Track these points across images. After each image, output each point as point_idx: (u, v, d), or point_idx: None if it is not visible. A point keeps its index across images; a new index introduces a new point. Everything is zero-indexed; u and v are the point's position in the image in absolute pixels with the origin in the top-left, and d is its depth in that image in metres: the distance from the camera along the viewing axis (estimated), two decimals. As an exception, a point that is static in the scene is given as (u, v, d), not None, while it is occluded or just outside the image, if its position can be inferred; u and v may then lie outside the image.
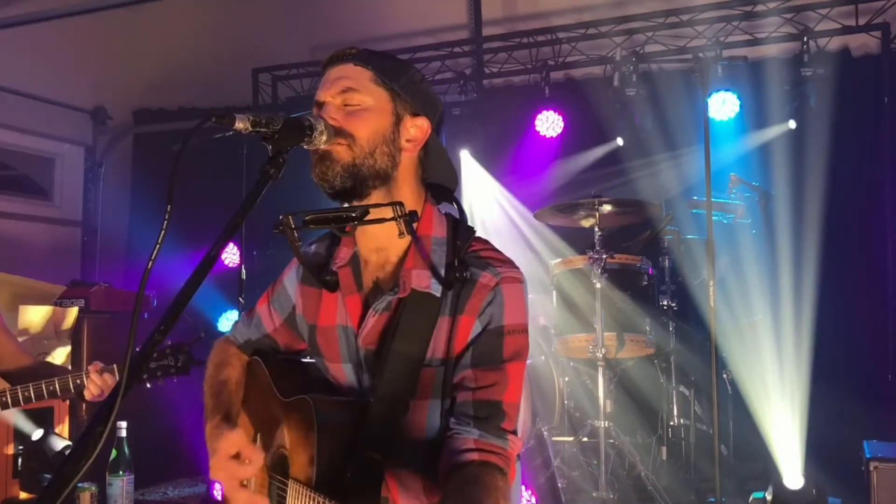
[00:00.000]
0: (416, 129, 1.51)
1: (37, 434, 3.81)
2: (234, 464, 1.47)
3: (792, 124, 4.75)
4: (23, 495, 3.82)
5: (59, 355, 4.20)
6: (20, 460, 3.82)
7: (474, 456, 1.38)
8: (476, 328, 1.45)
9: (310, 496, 1.40)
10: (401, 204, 1.45)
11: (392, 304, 1.49)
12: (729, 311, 4.37)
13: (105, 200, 6.88)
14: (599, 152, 5.40)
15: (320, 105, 1.49)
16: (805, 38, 4.79)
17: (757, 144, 4.87)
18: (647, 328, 4.13)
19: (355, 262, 1.57)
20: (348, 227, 1.48)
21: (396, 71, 1.51)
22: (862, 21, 4.79)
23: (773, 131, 4.80)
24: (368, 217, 1.47)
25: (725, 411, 4.34)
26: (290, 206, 1.49)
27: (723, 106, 4.78)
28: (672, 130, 4.89)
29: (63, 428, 4.14)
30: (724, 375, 4.39)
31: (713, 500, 3.63)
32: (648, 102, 5.03)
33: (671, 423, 4.40)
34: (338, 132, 1.44)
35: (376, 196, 1.48)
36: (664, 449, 4.32)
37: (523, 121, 5.30)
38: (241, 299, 5.34)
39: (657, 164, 5.07)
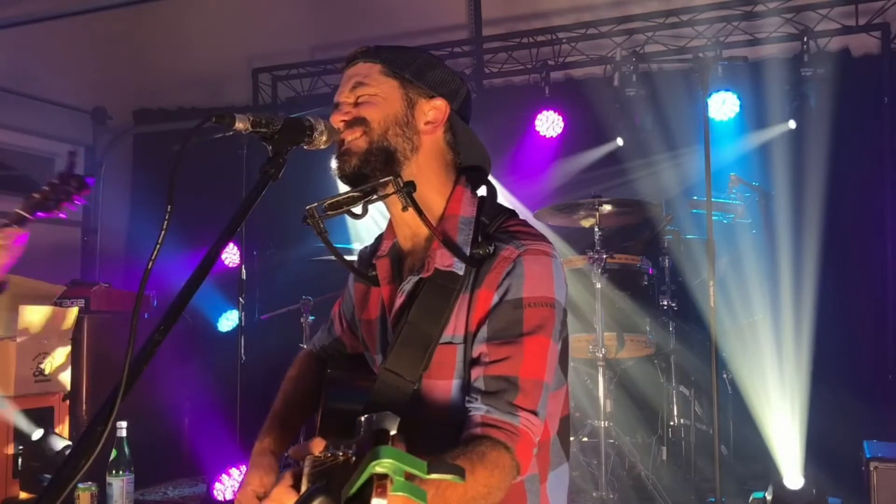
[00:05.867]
0: (434, 110, 1.52)
1: (37, 434, 3.81)
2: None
3: (792, 124, 4.75)
4: (23, 495, 3.83)
5: (59, 355, 4.20)
6: (20, 460, 3.83)
7: (477, 431, 1.33)
8: (494, 301, 1.40)
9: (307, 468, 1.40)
10: (398, 175, 1.44)
11: (417, 284, 1.48)
12: (729, 310, 4.37)
13: (105, 200, 6.88)
14: (599, 152, 5.39)
15: (337, 106, 1.52)
16: (805, 38, 4.79)
17: (757, 144, 4.86)
18: (647, 328, 4.13)
19: (394, 252, 1.59)
20: (360, 209, 1.47)
21: (405, 60, 1.53)
22: (862, 21, 4.79)
23: (773, 131, 4.80)
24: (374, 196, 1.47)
25: (725, 411, 4.34)
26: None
27: (723, 106, 4.77)
28: (672, 130, 4.89)
29: (63, 428, 4.14)
30: (724, 375, 4.39)
31: (713, 500, 3.62)
32: (648, 102, 5.03)
33: (671, 423, 4.40)
34: (351, 124, 1.47)
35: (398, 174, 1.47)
36: (664, 449, 4.32)
37: (523, 121, 5.30)
38: (241, 299, 5.34)
39: (657, 164, 5.06)
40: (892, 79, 4.70)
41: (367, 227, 5.75)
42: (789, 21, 4.93)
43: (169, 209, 1.15)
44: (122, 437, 2.98)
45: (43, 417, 3.97)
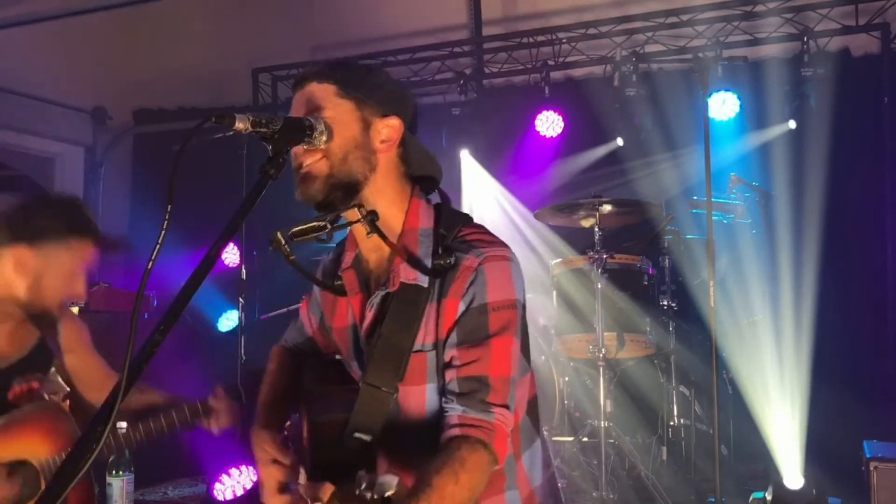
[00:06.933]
0: (389, 129, 1.54)
1: (37, 434, 3.80)
2: (273, 467, 1.56)
3: (792, 124, 4.75)
4: (23, 495, 3.82)
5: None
6: (20, 460, 3.82)
7: (456, 431, 1.41)
8: (461, 309, 1.48)
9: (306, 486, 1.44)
10: (361, 205, 1.51)
11: (385, 297, 1.55)
12: (729, 310, 4.36)
13: (105, 200, 6.88)
14: (599, 152, 5.40)
15: None
16: (805, 38, 4.79)
17: (757, 144, 4.87)
18: (647, 328, 4.13)
19: (358, 263, 1.64)
20: (326, 235, 1.52)
21: (358, 79, 1.55)
22: (862, 21, 4.80)
23: (773, 131, 4.80)
24: (340, 223, 1.53)
25: (725, 411, 4.34)
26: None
27: (723, 106, 4.78)
28: (672, 130, 4.90)
29: (63, 428, 4.13)
30: (724, 375, 4.39)
31: (713, 500, 3.62)
32: (648, 102, 5.03)
33: (671, 423, 4.40)
34: (310, 149, 1.48)
35: (359, 200, 1.53)
36: (664, 449, 4.32)
37: (523, 121, 5.30)
38: (241, 299, 5.34)
39: (657, 164, 5.06)
40: (892, 79, 4.70)
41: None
42: (789, 21, 4.93)
43: (169, 209, 1.15)
44: (122, 437, 2.98)
45: (43, 417, 3.96)
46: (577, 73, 5.60)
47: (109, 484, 2.94)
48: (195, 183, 4.71)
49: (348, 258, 1.65)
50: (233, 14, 6.34)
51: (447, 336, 1.49)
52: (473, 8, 5.87)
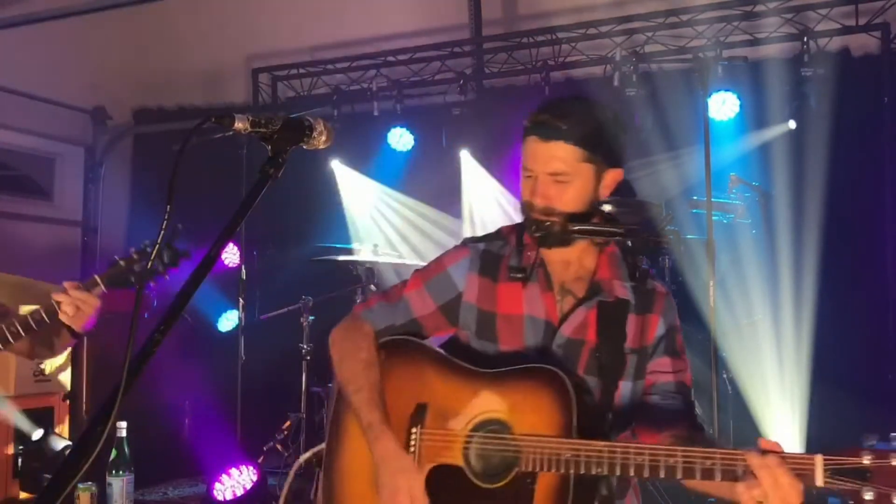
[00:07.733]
0: (613, 178, 1.84)
1: (37, 434, 3.82)
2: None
3: (792, 124, 4.74)
4: (23, 495, 3.83)
5: (60, 356, 4.20)
6: (20, 460, 3.83)
7: (693, 422, 1.82)
8: (661, 325, 1.85)
9: (557, 443, 1.62)
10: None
11: (597, 304, 1.81)
12: (729, 311, 4.36)
13: (105, 200, 6.88)
14: (599, 152, 5.39)
15: (529, 176, 1.87)
16: (805, 38, 4.78)
17: (757, 144, 4.86)
18: (647, 328, 4.12)
19: (543, 266, 1.86)
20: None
21: (601, 141, 1.78)
22: (862, 21, 4.79)
23: (773, 131, 4.80)
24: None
25: (725, 411, 4.34)
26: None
27: (723, 106, 4.78)
28: (672, 130, 4.89)
29: (63, 428, 4.15)
30: (724, 375, 4.39)
31: (714, 500, 3.62)
32: (648, 102, 5.02)
33: (671, 423, 4.39)
34: (547, 211, 1.77)
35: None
36: (664, 449, 4.31)
37: (523, 121, 5.29)
38: (241, 299, 5.34)
39: (657, 164, 5.06)
40: (892, 79, 4.70)
41: (367, 227, 5.77)
42: (789, 21, 4.93)
43: (169, 209, 1.15)
44: (122, 437, 2.97)
45: (43, 417, 3.97)
46: (578, 73, 5.59)
47: (109, 484, 2.94)
48: (195, 183, 4.72)
49: (531, 257, 1.85)
50: (233, 14, 6.34)
51: (651, 345, 1.84)
52: (473, 8, 5.86)
